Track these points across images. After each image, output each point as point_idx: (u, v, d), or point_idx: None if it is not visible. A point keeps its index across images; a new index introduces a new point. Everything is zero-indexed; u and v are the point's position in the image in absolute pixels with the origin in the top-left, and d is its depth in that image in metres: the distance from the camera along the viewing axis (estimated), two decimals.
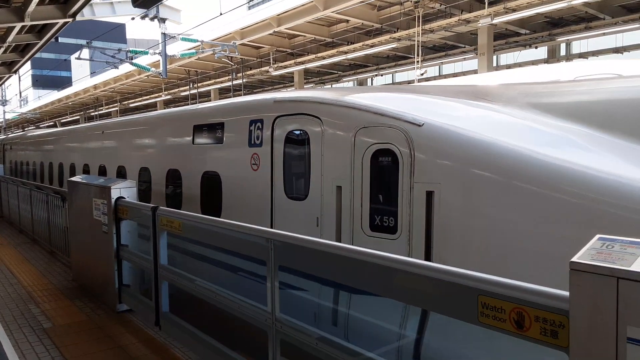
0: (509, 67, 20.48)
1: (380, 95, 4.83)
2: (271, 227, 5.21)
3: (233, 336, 4.09)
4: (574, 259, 1.77)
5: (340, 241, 4.45)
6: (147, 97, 39.72)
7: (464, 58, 21.85)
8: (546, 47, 20.18)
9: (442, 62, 23.38)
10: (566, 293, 1.82)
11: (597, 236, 1.89)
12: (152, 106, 40.87)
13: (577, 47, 20.15)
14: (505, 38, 19.51)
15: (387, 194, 4.15)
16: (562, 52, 20.48)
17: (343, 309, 3.61)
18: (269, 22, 19.83)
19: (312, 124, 4.77)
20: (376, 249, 2.75)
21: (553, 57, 20.30)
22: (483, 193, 3.58)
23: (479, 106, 4.36)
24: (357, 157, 4.29)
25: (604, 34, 17.35)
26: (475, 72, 19.54)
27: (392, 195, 4.07)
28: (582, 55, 19.47)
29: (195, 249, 5.02)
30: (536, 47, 19.56)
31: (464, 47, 20.96)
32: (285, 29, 19.94)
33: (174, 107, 29.28)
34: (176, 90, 35.42)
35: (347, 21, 19.78)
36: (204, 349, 4.17)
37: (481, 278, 2.13)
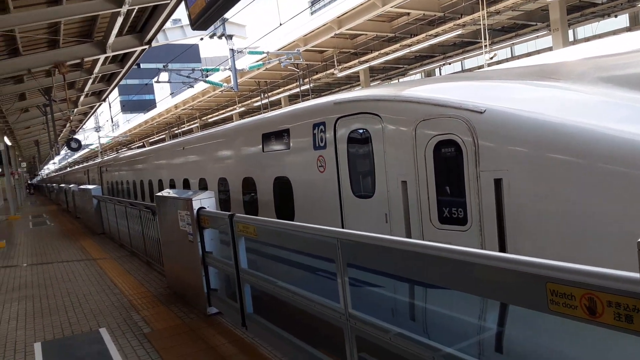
0: (587, 40, 19.06)
1: (438, 86, 4.77)
2: (342, 226, 5.30)
3: (315, 333, 4.21)
4: None
5: (410, 236, 4.43)
6: (223, 111, 41.46)
7: (537, 36, 20.60)
8: (627, 14, 18.49)
9: (513, 43, 22.22)
10: (637, 275, 1.74)
11: None
12: (229, 119, 42.56)
13: None
14: (580, 10, 18.15)
15: (453, 185, 4.08)
16: None
17: (415, 303, 3.62)
18: (330, 25, 20.00)
19: (373, 122, 4.81)
20: (447, 242, 2.75)
21: (636, 24, 18.55)
22: (555, 176, 3.43)
23: (545, 86, 4.17)
24: (419, 150, 4.27)
25: None
26: (550, 49, 18.39)
27: (458, 186, 4.00)
28: None
29: (272, 251, 5.22)
30: (616, 16, 17.95)
31: (536, 24, 19.78)
32: (347, 30, 19.99)
33: (248, 117, 30.37)
34: (249, 101, 36.63)
35: (408, 14, 19.44)
36: (288, 347, 4.32)
37: (547, 265, 2.07)
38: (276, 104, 35.11)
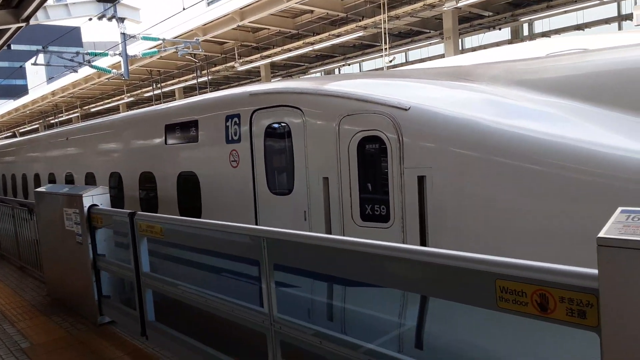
0: (473, 49, 20.65)
1: (361, 82, 4.72)
2: (255, 225, 5.06)
3: (227, 341, 3.93)
4: (601, 234, 1.68)
5: (330, 234, 4.34)
6: (109, 100, 38.63)
7: (430, 43, 21.93)
8: (509, 28, 20.44)
9: (408, 49, 23.44)
10: (594, 271, 1.74)
11: (620, 209, 1.81)
12: (115, 109, 39.80)
13: (540, 26, 20.49)
14: (469, 21, 19.65)
15: (376, 182, 4.05)
16: (525, 33, 20.80)
17: (347, 304, 3.50)
18: (232, 16, 19.44)
19: (293, 116, 4.62)
20: (369, 239, 2.64)
21: (516, 37, 20.59)
22: (476, 174, 3.52)
23: (464, 87, 4.29)
24: (342, 146, 4.17)
25: (565, 12, 17.69)
26: (441, 56, 19.65)
27: (382, 183, 3.98)
28: (545, 34, 19.81)
29: (180, 253, 4.83)
30: (500, 29, 19.77)
31: (429, 32, 21.03)
32: (249, 22, 19.58)
33: (138, 109, 28.60)
34: (139, 91, 34.53)
35: (312, 12, 19.55)
36: (197, 356, 3.99)
37: (498, 262, 2.04)
38: (169, 96, 33.43)
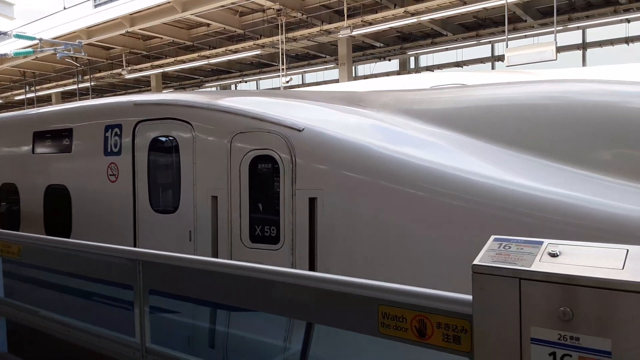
0: (365, 77, 21.70)
1: (256, 100, 4.64)
2: (134, 245, 4.71)
3: None
4: (476, 261, 1.73)
5: (216, 255, 4.17)
6: None
7: (325, 68, 22.61)
8: (398, 59, 21.85)
9: (304, 71, 23.96)
10: (468, 297, 1.78)
11: (492, 237, 1.89)
12: None
13: (425, 60, 22.16)
14: (362, 50, 20.63)
15: (268, 203, 3.97)
16: (412, 65, 22.37)
17: (231, 330, 3.32)
18: (121, 21, 18.35)
19: (182, 130, 4.40)
20: (258, 261, 2.55)
21: (404, 69, 22.05)
22: (365, 198, 3.57)
23: (356, 112, 4.40)
24: (234, 164, 4.04)
25: (447, 49, 19.45)
26: (336, 81, 20.32)
27: (273, 204, 3.91)
28: (429, 68, 21.45)
29: (45, 277, 4.31)
30: (389, 60, 21.07)
31: (325, 57, 21.69)
32: (140, 29, 18.64)
33: (6, 112, 25.69)
34: (8, 94, 31.11)
35: (208, 25, 19.16)
36: None
37: (381, 287, 2.03)
38: (45, 100, 30.51)
